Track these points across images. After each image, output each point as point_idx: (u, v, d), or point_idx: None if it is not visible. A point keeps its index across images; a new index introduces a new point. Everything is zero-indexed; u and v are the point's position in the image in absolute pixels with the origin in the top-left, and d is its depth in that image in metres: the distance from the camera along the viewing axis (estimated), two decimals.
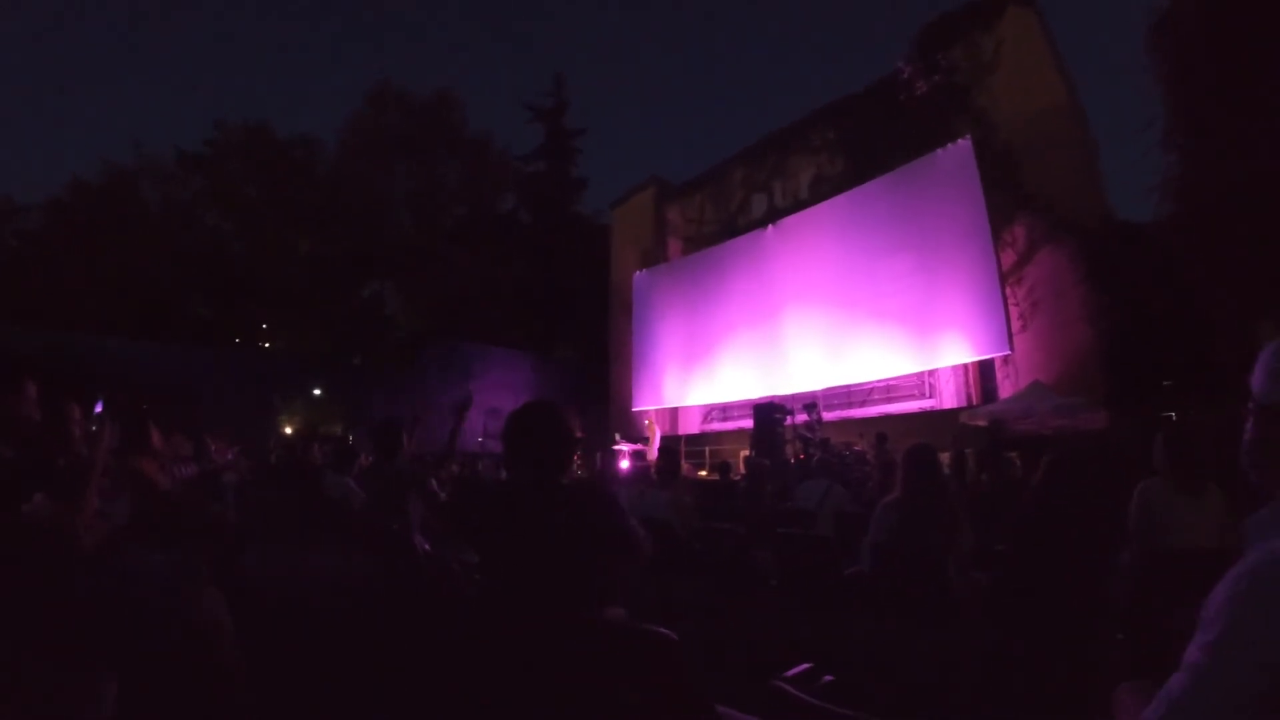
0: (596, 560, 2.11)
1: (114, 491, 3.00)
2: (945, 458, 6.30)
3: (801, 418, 13.96)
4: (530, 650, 1.66)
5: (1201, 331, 9.62)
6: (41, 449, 2.93)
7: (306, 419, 25.51)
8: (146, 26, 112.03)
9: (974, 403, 14.84)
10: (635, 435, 19.70)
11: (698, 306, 21.63)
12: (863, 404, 17.52)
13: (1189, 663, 0.93)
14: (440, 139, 38.27)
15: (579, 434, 2.35)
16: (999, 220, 14.27)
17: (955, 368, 15.45)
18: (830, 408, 16.60)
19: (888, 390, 17.12)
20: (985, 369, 14.99)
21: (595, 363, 28.19)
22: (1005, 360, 14.14)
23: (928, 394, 16.43)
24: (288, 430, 23.99)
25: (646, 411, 22.12)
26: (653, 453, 16.02)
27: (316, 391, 26.26)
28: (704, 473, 16.87)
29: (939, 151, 15.46)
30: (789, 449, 13.63)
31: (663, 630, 1.46)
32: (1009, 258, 14.37)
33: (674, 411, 23.12)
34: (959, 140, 15.07)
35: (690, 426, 22.71)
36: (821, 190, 19.60)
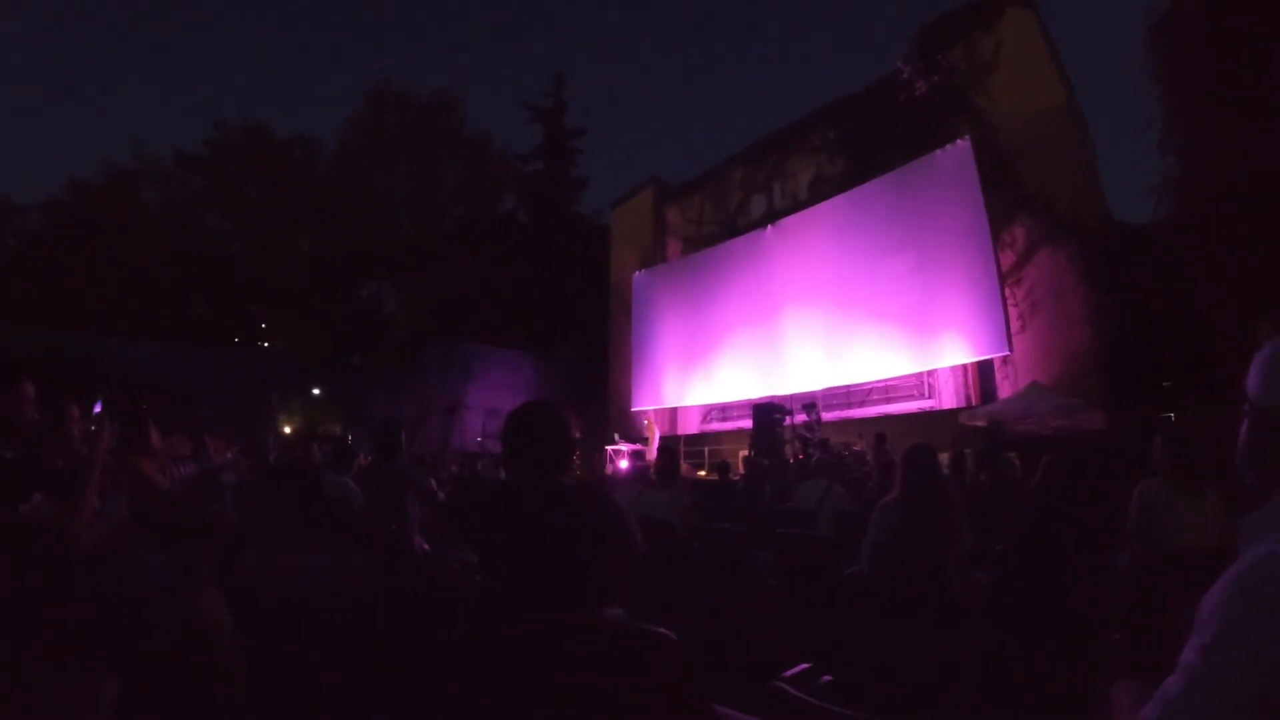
0: (596, 560, 2.11)
1: (112, 491, 3.00)
2: (944, 458, 6.31)
3: (801, 418, 13.96)
4: (529, 650, 1.66)
5: (1200, 332, 9.62)
6: (40, 449, 2.93)
7: (306, 419, 25.52)
8: (146, 26, 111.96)
9: (973, 403, 14.85)
10: (635, 435, 19.72)
11: (697, 307, 21.63)
12: (862, 404, 17.53)
13: (1185, 664, 0.93)
14: (440, 139, 38.29)
15: (578, 434, 2.35)
16: (998, 221, 14.28)
17: (954, 368, 15.45)
18: (829, 408, 16.59)
19: (887, 390, 17.12)
20: (984, 369, 15.00)
21: (595, 363, 28.19)
22: (1004, 361, 14.14)
23: (927, 394, 16.43)
24: (287, 430, 23.99)
25: (646, 411, 22.13)
26: (652, 452, 16.01)
27: (316, 391, 26.26)
28: (703, 473, 16.88)
29: (938, 152, 15.47)
30: (788, 449, 13.62)
31: (662, 630, 1.46)
32: (1008, 258, 14.38)
33: (673, 411, 23.13)
34: (958, 141, 15.07)
35: (689, 426, 22.71)
36: (821, 190, 19.61)
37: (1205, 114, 9.18)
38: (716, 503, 7.62)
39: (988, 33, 15.56)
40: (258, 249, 35.09)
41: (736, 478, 9.92)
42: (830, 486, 6.52)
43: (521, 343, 32.52)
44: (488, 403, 24.99)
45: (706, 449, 19.82)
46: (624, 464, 15.33)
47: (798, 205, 20.08)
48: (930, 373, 16.04)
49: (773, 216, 20.63)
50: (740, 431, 18.24)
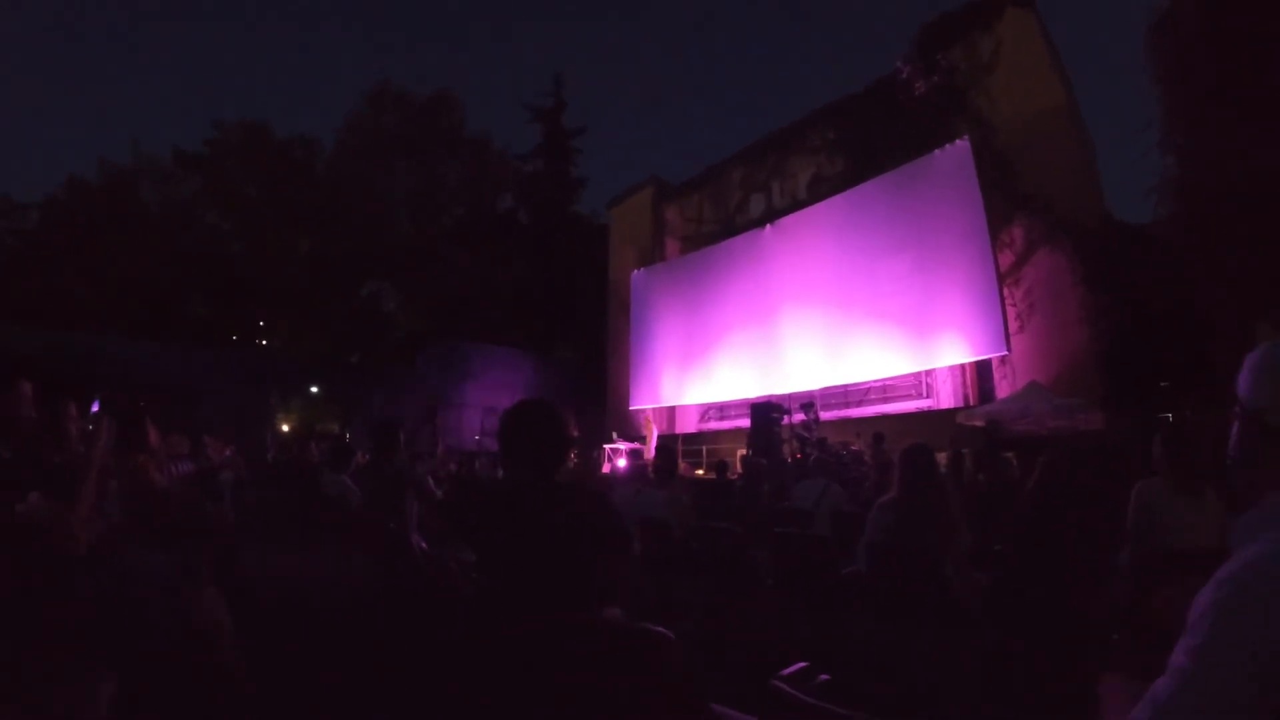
0: (594, 560, 2.12)
1: (110, 489, 3.00)
2: (942, 458, 6.31)
3: (799, 417, 13.97)
4: (528, 650, 1.66)
5: (1199, 332, 9.62)
6: (38, 448, 2.93)
7: (304, 418, 25.49)
8: (145, 26, 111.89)
9: (971, 403, 14.86)
10: (633, 434, 19.71)
11: (696, 306, 21.64)
12: (860, 404, 17.54)
13: (1175, 666, 0.93)
14: (440, 139, 38.23)
15: (574, 432, 2.36)
16: (997, 221, 14.29)
17: (952, 368, 15.47)
18: (827, 407, 16.61)
19: (885, 390, 17.13)
20: (983, 369, 15.01)
21: (593, 362, 28.18)
22: (1003, 361, 14.16)
23: (925, 394, 16.44)
24: (285, 429, 23.97)
25: (644, 410, 22.12)
26: (650, 451, 16.01)
27: (314, 390, 26.24)
28: (701, 472, 16.85)
29: (937, 152, 15.47)
30: (786, 448, 13.63)
31: (660, 629, 1.46)
32: (1007, 258, 14.39)
33: (671, 410, 23.13)
34: (957, 141, 15.08)
35: (687, 425, 22.74)
36: (820, 190, 19.62)
37: (1205, 114, 9.18)
38: (714, 502, 7.61)
39: (987, 33, 15.56)
40: (257, 248, 35.03)
41: (734, 477, 9.93)
42: (828, 486, 6.53)
43: (521, 342, 32.49)
44: (486, 401, 24.97)
45: (704, 448, 19.84)
46: (622, 463, 15.32)
47: (797, 205, 20.09)
48: (928, 372, 16.05)
49: (772, 216, 20.63)
50: (738, 431, 18.25)
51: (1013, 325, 13.84)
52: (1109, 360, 12.38)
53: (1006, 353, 13.69)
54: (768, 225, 20.10)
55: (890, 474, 4.15)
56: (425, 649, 2.58)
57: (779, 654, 2.16)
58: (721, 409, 21.64)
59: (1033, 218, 14.08)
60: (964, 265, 14.33)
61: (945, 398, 15.89)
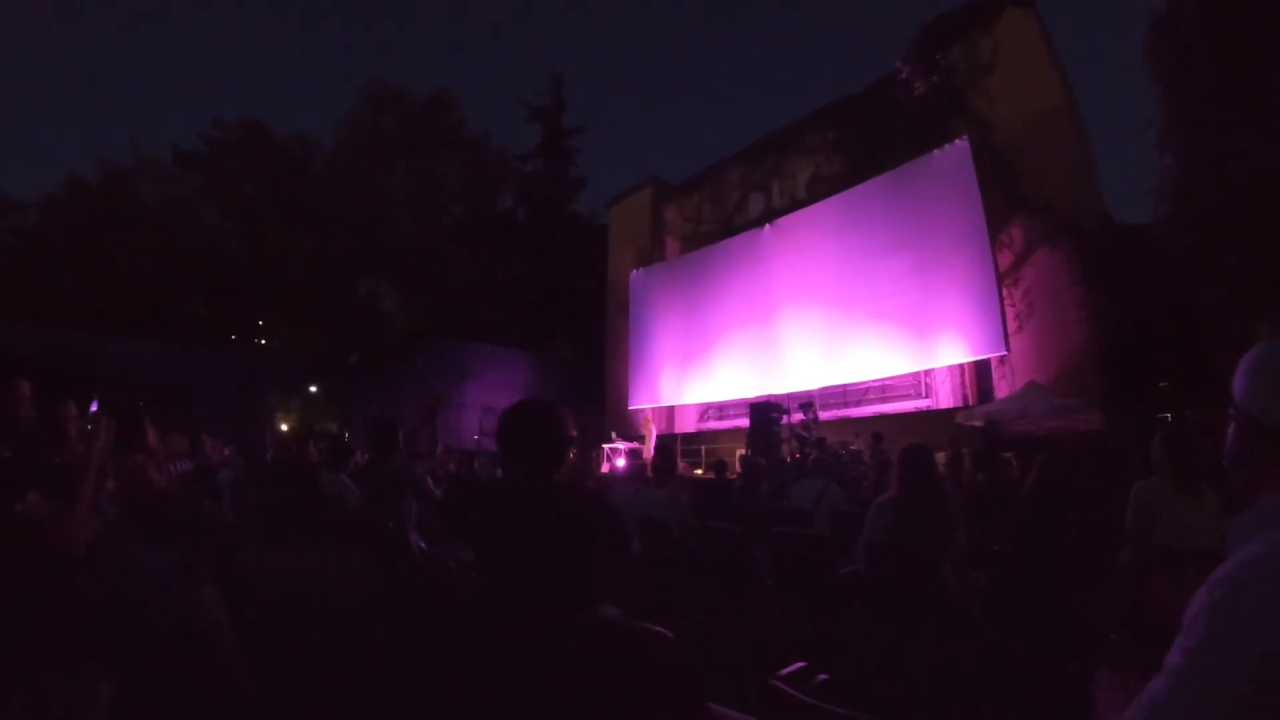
0: (593, 560, 2.12)
1: (106, 489, 3.00)
2: (941, 458, 6.31)
3: (798, 417, 13.97)
4: (526, 649, 1.66)
5: (1198, 332, 9.64)
6: (37, 447, 2.93)
7: (303, 417, 25.47)
8: (144, 26, 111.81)
9: (970, 403, 14.86)
10: (632, 433, 19.71)
11: (695, 306, 21.64)
12: (859, 403, 17.53)
13: (1170, 667, 0.93)
14: (439, 139, 38.19)
15: (573, 431, 2.36)
16: (996, 221, 14.29)
17: (951, 368, 15.46)
18: (826, 407, 16.61)
19: (883, 390, 17.12)
20: (981, 369, 15.01)
21: (593, 362, 28.17)
22: (1001, 361, 14.16)
23: (924, 394, 16.44)
24: (284, 428, 23.95)
25: (643, 410, 22.11)
26: (649, 451, 16.02)
27: (313, 389, 26.22)
28: (700, 471, 16.85)
29: (936, 152, 15.47)
30: (785, 448, 13.63)
31: (658, 629, 1.46)
32: (1006, 258, 14.39)
33: (670, 410, 23.12)
34: (956, 141, 15.07)
35: (686, 425, 22.74)
36: (819, 190, 19.62)
37: (1204, 115, 9.19)
38: (713, 501, 7.61)
39: (987, 33, 15.56)
40: (256, 248, 34.97)
41: (733, 476, 9.93)
42: (827, 485, 6.53)
43: (520, 342, 32.45)
44: (485, 401, 24.95)
45: (703, 448, 19.85)
46: (621, 462, 15.33)
47: (796, 205, 20.08)
48: (927, 372, 16.04)
49: (771, 216, 20.62)
50: (737, 430, 18.26)
51: (1011, 325, 13.84)
52: (1108, 360, 12.39)
53: (1005, 353, 13.69)
54: (767, 225, 20.10)
55: (889, 474, 4.15)
56: (424, 648, 2.58)
57: (778, 654, 2.16)
58: (720, 409, 21.63)
59: (1032, 218, 14.08)
60: (963, 265, 14.33)
61: (944, 398, 15.89)
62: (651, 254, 25.08)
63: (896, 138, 16.98)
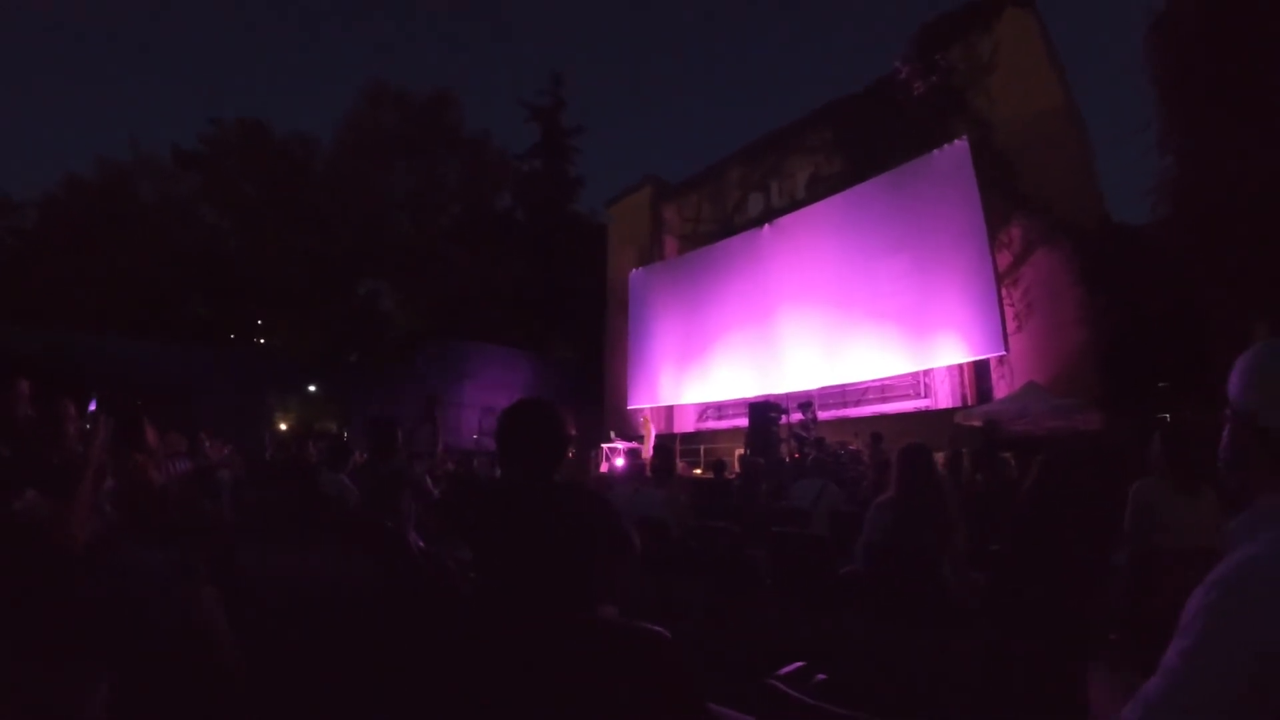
0: (592, 559, 2.12)
1: (104, 488, 3.00)
2: (940, 458, 6.31)
3: (796, 417, 13.97)
4: (526, 649, 1.66)
5: (1197, 332, 9.64)
6: (36, 446, 2.93)
7: (302, 417, 25.47)
8: (143, 25, 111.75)
9: (969, 403, 14.86)
10: (631, 433, 19.72)
11: (694, 305, 21.63)
12: (857, 403, 17.53)
13: (1166, 667, 0.94)
14: (439, 138, 38.16)
15: (572, 431, 2.36)
16: (995, 221, 14.29)
17: (950, 368, 15.46)
18: (825, 407, 16.62)
19: (882, 390, 17.12)
20: (980, 369, 15.01)
21: (592, 361, 28.16)
22: (1000, 361, 14.16)
23: (922, 394, 16.44)
24: (283, 428, 23.95)
25: (642, 409, 22.11)
26: (648, 451, 16.02)
27: (312, 389, 26.22)
28: (699, 471, 16.86)
29: (936, 152, 15.46)
30: (784, 448, 13.64)
31: (656, 628, 1.46)
32: (1005, 258, 14.39)
33: (669, 410, 23.12)
34: (956, 141, 15.06)
35: (685, 425, 22.74)
36: (818, 190, 19.61)
37: (1203, 115, 9.19)
38: (712, 501, 7.61)
39: (986, 33, 15.56)
40: (256, 247, 34.96)
41: (732, 476, 9.93)
42: (825, 485, 6.53)
43: (519, 341, 32.43)
44: (484, 401, 24.96)
45: (702, 447, 19.84)
46: (620, 462, 15.33)
47: (795, 204, 20.08)
48: (926, 372, 16.04)
49: (770, 215, 20.62)
50: (736, 430, 18.25)
51: (1011, 325, 13.85)
52: (1107, 360, 12.40)
53: (1004, 353, 13.69)
54: (766, 225, 20.09)
55: (888, 474, 4.15)
56: (423, 648, 2.58)
57: (776, 653, 2.16)
58: (719, 408, 21.63)
59: (1031, 218, 14.09)
60: (962, 265, 14.32)
61: (943, 398, 15.88)
62: (651, 253, 25.07)
63: (896, 138, 16.98)
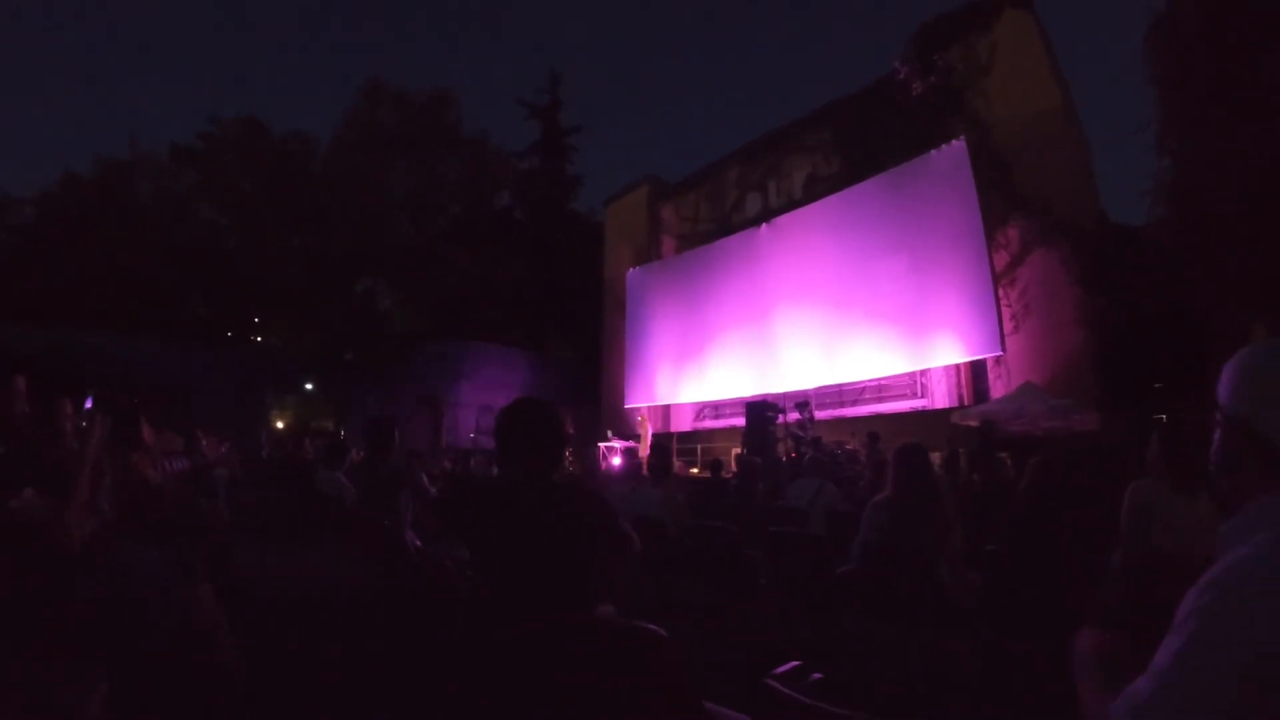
0: (590, 559, 2.12)
1: (101, 486, 2.99)
2: (937, 457, 6.32)
3: (794, 416, 13.97)
4: (524, 648, 1.66)
5: (1194, 333, 9.66)
6: (33, 444, 2.93)
7: (299, 415, 25.46)
8: (142, 23, 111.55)
9: (966, 403, 14.86)
10: (628, 432, 19.71)
11: (691, 304, 21.63)
12: (854, 403, 17.54)
13: (1157, 667, 0.94)
14: (438, 138, 38.13)
15: (570, 430, 2.36)
16: (993, 221, 14.30)
17: (947, 368, 15.48)
18: (822, 406, 16.63)
19: (879, 390, 17.13)
20: (977, 369, 15.01)
21: (590, 360, 28.16)
22: (997, 361, 14.17)
23: (919, 394, 16.45)
24: (279, 425, 23.94)
25: (639, 409, 22.11)
26: (645, 450, 16.01)
27: (309, 387, 26.20)
28: (696, 470, 16.87)
29: (934, 152, 15.47)
30: (781, 447, 13.66)
31: (653, 627, 1.46)
32: (1002, 259, 14.41)
33: (666, 409, 23.11)
34: (954, 141, 15.06)
35: (682, 424, 22.73)
36: (816, 190, 19.63)
37: (1203, 115, 9.20)
38: (709, 500, 7.60)
39: (985, 34, 15.57)
40: (254, 246, 34.94)
41: (729, 475, 9.93)
42: (823, 485, 6.52)
43: (517, 340, 32.40)
44: (482, 400, 24.94)
45: (699, 446, 19.87)
46: (617, 461, 15.32)
47: (793, 204, 20.08)
48: (923, 372, 16.06)
49: (767, 215, 20.63)
50: (733, 429, 18.29)
51: (1008, 326, 13.86)
52: (1104, 361, 12.41)
53: (1001, 353, 13.71)
54: (763, 224, 20.09)
55: (885, 473, 4.15)
56: (422, 647, 2.58)
57: (773, 652, 2.16)
58: (716, 408, 21.64)
59: (1029, 218, 14.10)
60: (960, 266, 14.33)
61: (940, 398, 15.90)
62: (648, 253, 25.07)
63: (894, 138, 16.98)
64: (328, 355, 32.10)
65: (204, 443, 8.35)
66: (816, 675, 1.67)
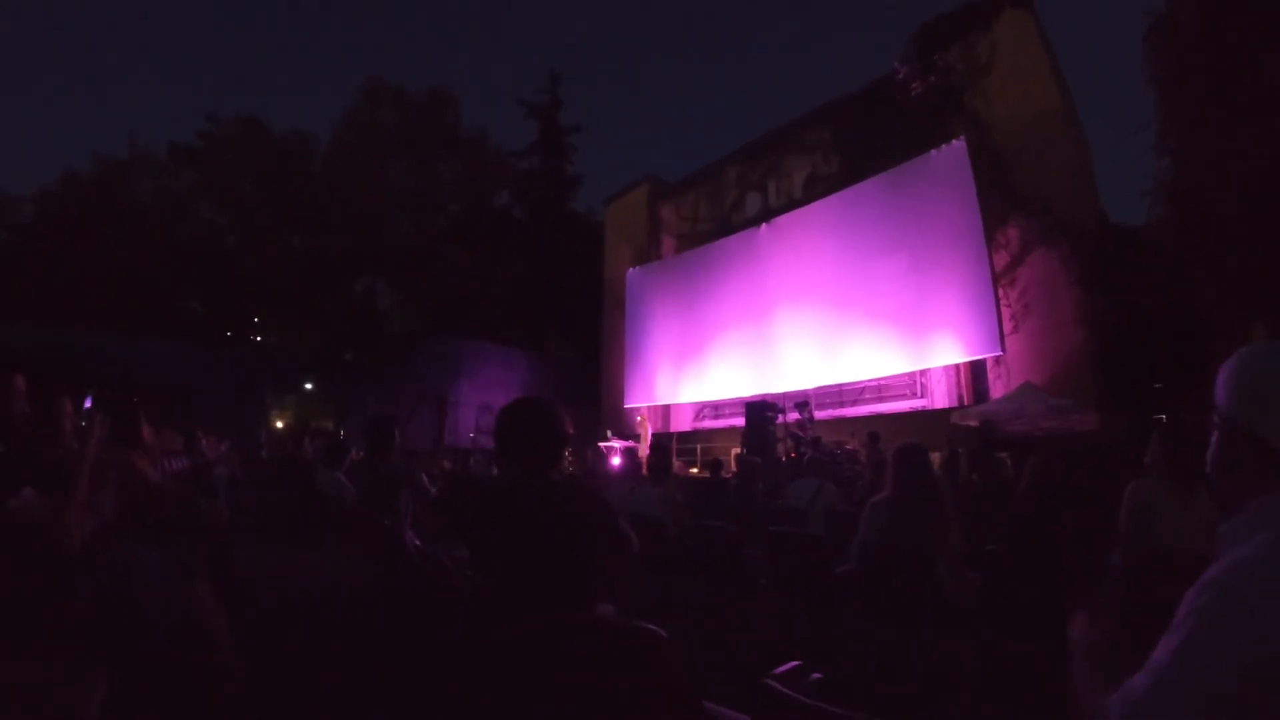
0: (590, 559, 2.12)
1: (101, 485, 2.99)
2: (937, 457, 6.32)
3: (793, 416, 13.97)
4: (523, 648, 1.66)
5: (1194, 334, 9.66)
6: (32, 443, 2.93)
7: (299, 414, 25.45)
8: (141, 22, 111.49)
9: (965, 403, 14.86)
10: (627, 432, 19.69)
11: (691, 304, 21.62)
12: (854, 403, 17.53)
13: (1154, 664, 0.94)
14: (438, 137, 38.12)
15: (570, 429, 2.35)
16: (992, 221, 14.29)
17: (947, 368, 15.48)
18: (822, 406, 16.62)
19: (879, 390, 17.13)
20: (977, 369, 15.01)
21: (590, 360, 28.14)
22: (997, 361, 14.17)
23: (919, 394, 16.46)
24: (279, 425, 23.93)
25: (639, 408, 22.09)
26: (644, 449, 16.00)
27: (309, 387, 26.19)
28: (695, 470, 16.86)
29: (933, 152, 15.47)
30: (780, 447, 13.65)
31: (652, 627, 1.46)
32: (1002, 259, 14.40)
33: (666, 409, 23.10)
34: (954, 141, 15.07)
35: (682, 424, 22.72)
36: (815, 190, 19.63)
37: (1202, 115, 9.20)
38: (709, 500, 7.60)
39: (985, 34, 15.56)
40: (253, 244, 34.94)
41: (729, 475, 9.93)
42: (822, 485, 6.52)
43: (516, 340, 32.40)
44: (481, 399, 24.93)
45: (699, 446, 19.86)
46: (616, 461, 15.31)
47: (792, 204, 20.09)
48: (923, 372, 16.06)
49: (767, 215, 20.64)
50: (733, 429, 18.29)
51: (1007, 326, 13.86)
52: (1104, 361, 12.40)
53: (1001, 353, 13.71)
54: (763, 224, 20.09)
55: (884, 473, 4.15)
56: (422, 647, 2.58)
57: (772, 652, 2.16)
58: (716, 408, 21.63)
59: (1028, 219, 14.09)
60: (959, 265, 14.34)
61: (940, 398, 15.90)
62: (648, 252, 25.06)
63: (894, 138, 16.99)
64: (327, 355, 32.07)
65: (204, 442, 8.34)
66: (816, 675, 1.67)
